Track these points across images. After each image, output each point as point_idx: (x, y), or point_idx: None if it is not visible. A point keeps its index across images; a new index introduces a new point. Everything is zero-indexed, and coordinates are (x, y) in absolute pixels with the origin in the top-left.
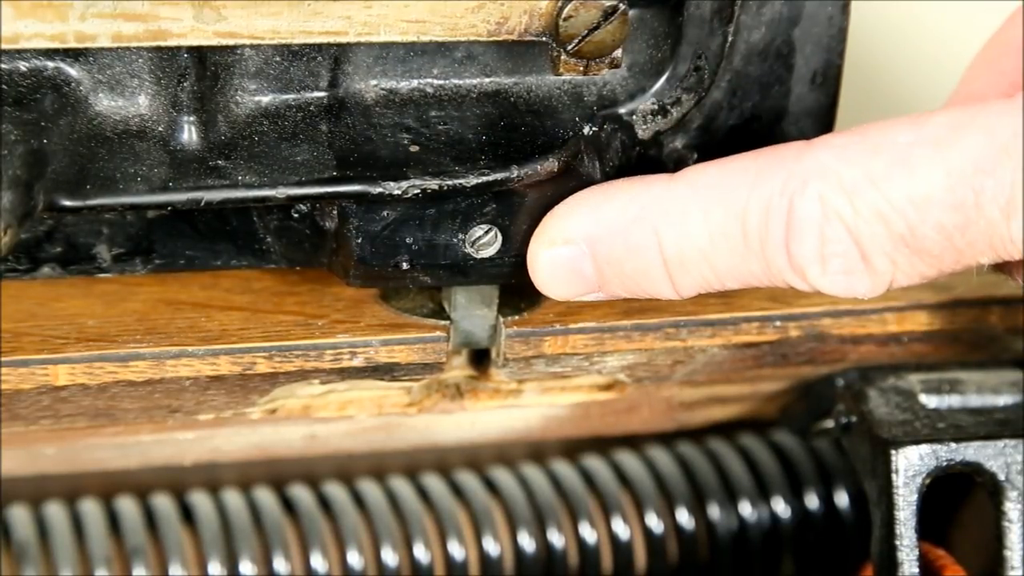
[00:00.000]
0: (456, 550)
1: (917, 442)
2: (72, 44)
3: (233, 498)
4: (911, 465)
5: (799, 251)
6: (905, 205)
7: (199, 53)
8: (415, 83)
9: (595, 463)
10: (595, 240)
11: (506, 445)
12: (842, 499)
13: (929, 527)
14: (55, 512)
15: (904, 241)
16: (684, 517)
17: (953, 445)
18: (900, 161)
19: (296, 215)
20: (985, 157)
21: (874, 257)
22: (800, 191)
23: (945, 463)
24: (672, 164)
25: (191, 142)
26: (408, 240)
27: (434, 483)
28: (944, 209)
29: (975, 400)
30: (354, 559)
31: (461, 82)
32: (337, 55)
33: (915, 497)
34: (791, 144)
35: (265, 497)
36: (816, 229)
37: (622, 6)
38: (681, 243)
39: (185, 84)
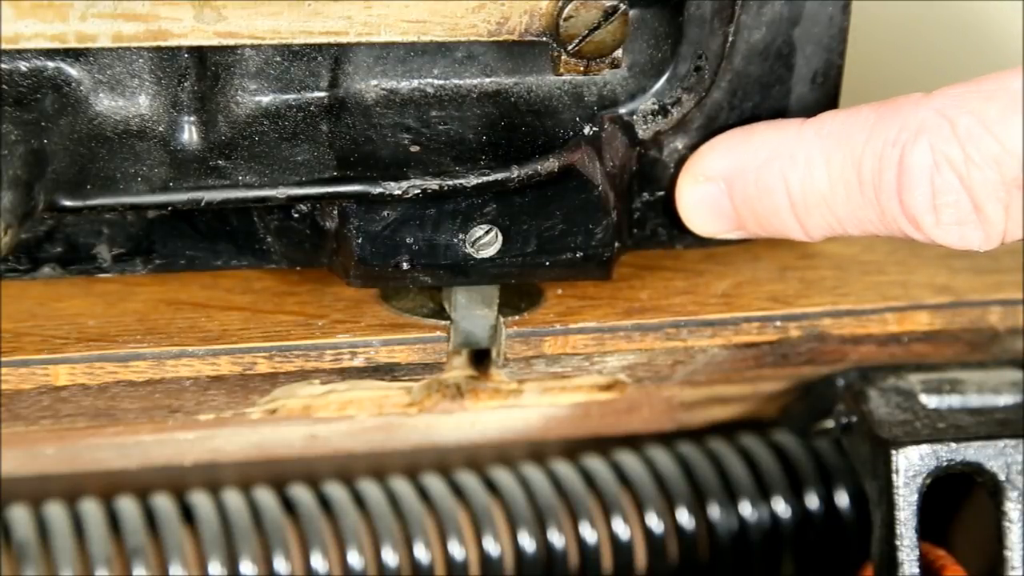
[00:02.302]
0: (456, 550)
1: (917, 442)
2: (72, 44)
3: (233, 498)
4: (911, 465)
5: (911, 201)
6: (1020, 148)
7: (199, 53)
8: (415, 83)
9: (595, 463)
10: (732, 179)
11: (506, 445)
12: (842, 499)
13: (929, 527)
14: (55, 512)
15: (1017, 188)
16: (684, 517)
17: (953, 445)
18: (1014, 106)
19: (296, 215)
20: None
21: (987, 205)
22: (912, 141)
23: (945, 463)
24: (673, 165)
25: (191, 142)
26: (408, 240)
27: (434, 483)
28: None
29: (975, 400)
30: (354, 559)
31: (461, 82)
32: (337, 55)
33: (915, 497)
34: (912, 95)
35: (265, 497)
36: (927, 179)
37: (622, 6)
38: (805, 186)
39: (185, 84)
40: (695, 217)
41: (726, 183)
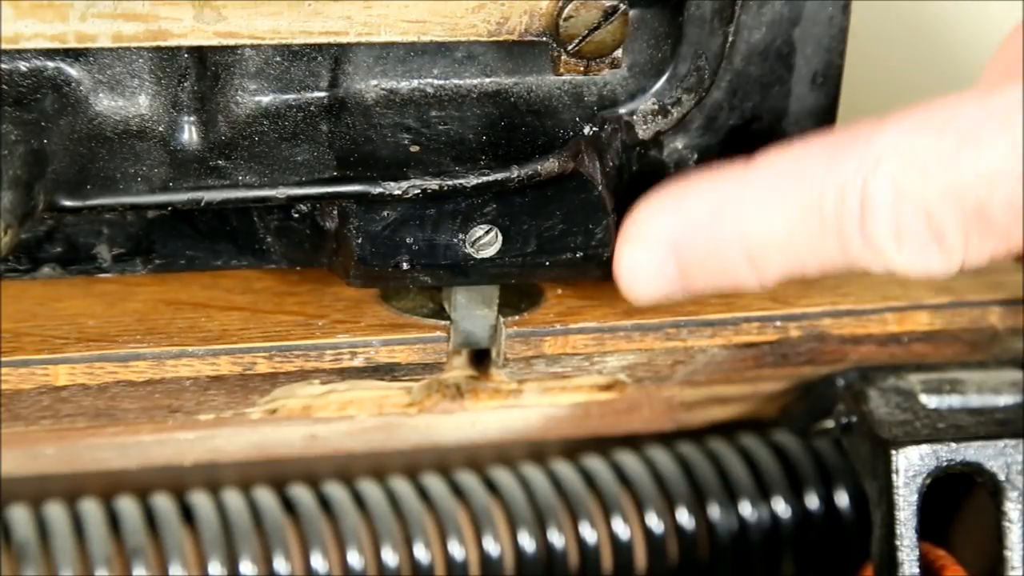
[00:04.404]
0: (456, 550)
1: (917, 442)
2: (72, 44)
3: (233, 498)
4: (911, 465)
5: (875, 232)
6: (974, 180)
7: (199, 53)
8: (415, 83)
9: (595, 463)
10: (678, 242)
11: (506, 445)
12: (842, 499)
13: (929, 527)
14: (55, 512)
15: (975, 216)
16: (684, 517)
17: (953, 445)
18: (969, 137)
19: (296, 215)
20: None
21: (948, 234)
22: (873, 172)
23: (945, 463)
24: (673, 165)
25: (191, 142)
26: (408, 240)
27: (434, 483)
28: (1013, 184)
29: (975, 400)
30: (354, 559)
31: (461, 82)
32: (337, 55)
33: (915, 497)
34: (863, 124)
35: (265, 497)
36: (890, 210)
37: (622, 6)
38: (762, 234)
39: (185, 84)
40: (636, 286)
41: (671, 247)
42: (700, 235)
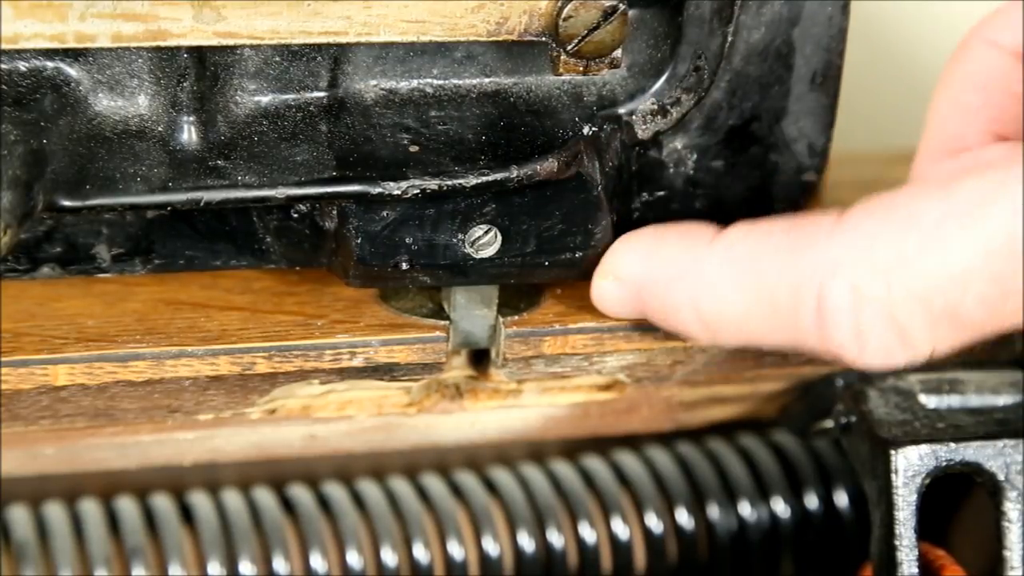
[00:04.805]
0: (456, 550)
1: (917, 442)
2: (72, 44)
3: (233, 498)
4: (911, 465)
5: (834, 335)
6: (944, 282)
7: (199, 53)
8: (415, 83)
9: (595, 463)
10: (641, 287)
11: (506, 445)
12: (842, 499)
13: (929, 527)
14: (55, 512)
15: (945, 317)
16: (684, 517)
17: (953, 445)
18: (933, 237)
19: (296, 215)
20: (1018, 225)
21: (914, 335)
22: (831, 275)
23: (945, 463)
24: (672, 165)
25: (191, 142)
26: (408, 240)
27: (434, 483)
28: (984, 282)
29: (975, 400)
30: (354, 559)
31: (461, 82)
32: (337, 55)
33: (915, 497)
34: (823, 220)
35: (265, 497)
36: (849, 316)
37: (622, 6)
38: (716, 308)
39: (185, 84)
40: (607, 307)
41: (636, 288)
42: (660, 291)
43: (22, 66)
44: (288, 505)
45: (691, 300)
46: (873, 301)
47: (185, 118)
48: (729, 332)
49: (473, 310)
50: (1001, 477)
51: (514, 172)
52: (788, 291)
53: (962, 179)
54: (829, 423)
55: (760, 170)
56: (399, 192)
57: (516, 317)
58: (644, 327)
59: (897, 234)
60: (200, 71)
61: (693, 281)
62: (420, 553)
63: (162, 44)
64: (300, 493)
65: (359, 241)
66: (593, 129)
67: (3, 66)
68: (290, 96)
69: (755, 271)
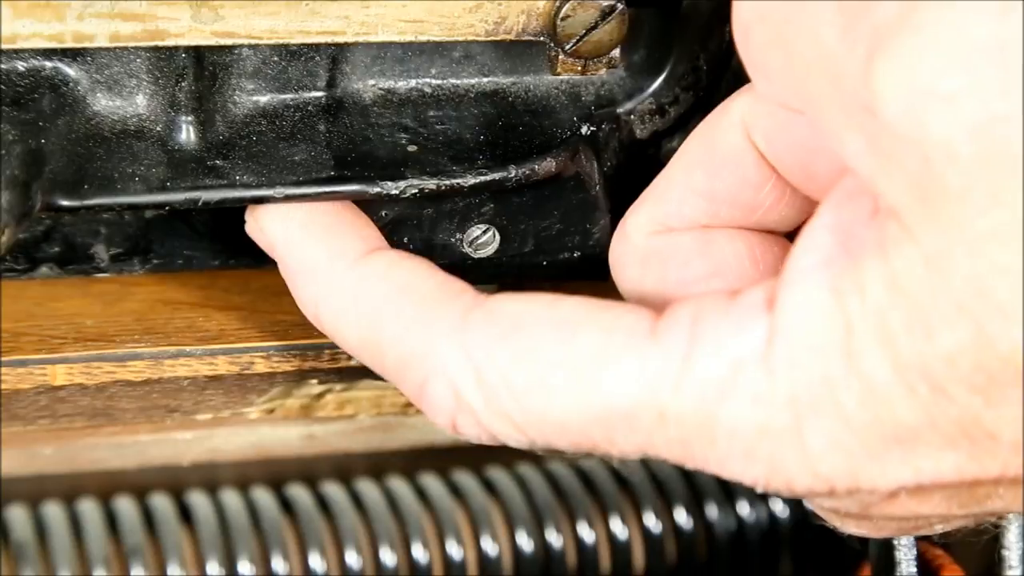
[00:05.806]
0: (454, 550)
1: None
2: (70, 44)
3: (231, 498)
4: None
5: (430, 416)
6: (543, 413)
7: (197, 53)
8: (413, 83)
9: (594, 463)
10: (274, 248)
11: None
12: None
13: None
14: (53, 512)
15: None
16: (682, 517)
17: None
18: (527, 348)
19: None
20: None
21: (504, 440)
22: (432, 377)
23: None
24: None
25: (189, 142)
26: (406, 240)
27: (432, 483)
28: (576, 433)
29: None
30: (352, 559)
31: (459, 82)
32: (335, 55)
33: None
34: (450, 309)
35: (263, 497)
36: (448, 416)
37: (620, 6)
38: (333, 326)
39: (183, 84)
40: (251, 234)
41: (271, 245)
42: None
43: (20, 66)
44: (287, 505)
45: (314, 301)
46: (472, 414)
47: (183, 118)
48: (347, 349)
49: None
50: None
51: (512, 172)
52: (398, 358)
53: (584, 331)
54: None
55: None
56: (397, 192)
57: None
58: None
59: (498, 341)
60: (198, 71)
61: (324, 287)
62: (419, 553)
63: (160, 44)
64: (299, 493)
65: None
66: (591, 129)
67: (2, 66)
68: (288, 96)
69: (377, 319)
